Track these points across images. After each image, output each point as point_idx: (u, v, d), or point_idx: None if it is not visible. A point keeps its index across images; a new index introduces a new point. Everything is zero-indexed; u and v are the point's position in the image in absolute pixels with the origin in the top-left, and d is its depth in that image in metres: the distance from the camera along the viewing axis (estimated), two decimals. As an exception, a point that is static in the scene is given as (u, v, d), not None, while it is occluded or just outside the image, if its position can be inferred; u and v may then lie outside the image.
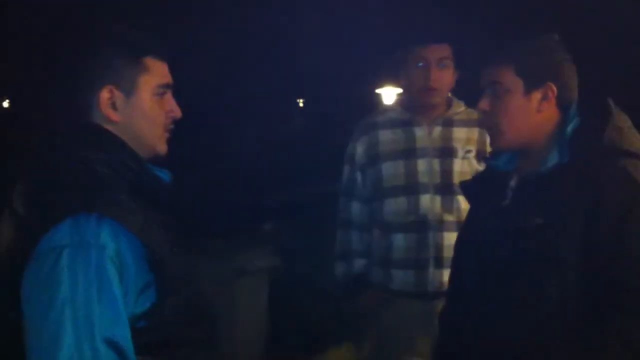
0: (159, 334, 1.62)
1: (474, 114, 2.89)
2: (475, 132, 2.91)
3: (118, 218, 1.57)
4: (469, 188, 2.21)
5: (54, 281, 1.52)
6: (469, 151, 2.89)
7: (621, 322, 1.67)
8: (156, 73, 1.74)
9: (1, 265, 1.64)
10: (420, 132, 2.93)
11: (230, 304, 4.17)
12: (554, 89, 1.90)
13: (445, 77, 2.87)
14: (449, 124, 2.92)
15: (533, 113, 1.91)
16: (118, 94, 1.70)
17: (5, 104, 10.95)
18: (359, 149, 3.02)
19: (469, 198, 2.21)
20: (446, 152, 2.90)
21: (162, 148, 1.80)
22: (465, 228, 2.21)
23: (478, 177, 2.26)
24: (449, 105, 2.96)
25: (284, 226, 2.94)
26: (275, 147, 8.05)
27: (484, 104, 1.97)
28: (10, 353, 1.65)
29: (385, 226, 2.96)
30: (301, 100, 12.07)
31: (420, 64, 2.85)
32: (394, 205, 2.93)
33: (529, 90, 1.91)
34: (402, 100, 3.06)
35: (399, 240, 2.91)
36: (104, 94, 1.69)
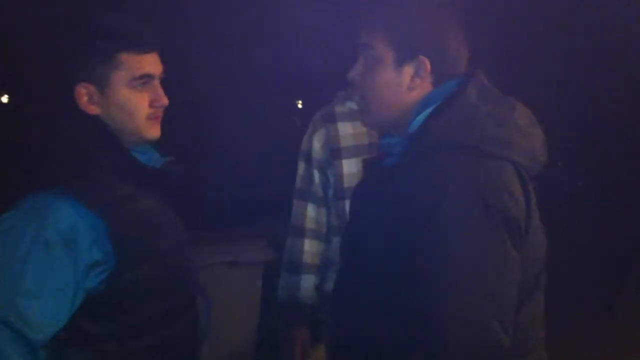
0: (116, 302, 1.74)
1: None
2: None
3: (77, 195, 1.69)
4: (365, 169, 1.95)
5: None
6: None
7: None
8: (131, 67, 1.79)
9: None
10: None
11: (222, 295, 4.26)
12: (428, 64, 1.64)
13: None
14: None
15: (404, 90, 1.66)
16: (93, 90, 1.79)
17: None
18: (316, 143, 2.67)
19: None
20: None
21: (150, 134, 1.85)
22: None
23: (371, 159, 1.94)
24: None
25: (279, 220, 3.01)
26: (272, 144, 8.15)
27: (354, 72, 1.72)
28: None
29: None
30: (300, 101, 12.19)
31: None
32: None
33: (399, 63, 1.65)
34: None
35: None
36: (80, 90, 1.79)
